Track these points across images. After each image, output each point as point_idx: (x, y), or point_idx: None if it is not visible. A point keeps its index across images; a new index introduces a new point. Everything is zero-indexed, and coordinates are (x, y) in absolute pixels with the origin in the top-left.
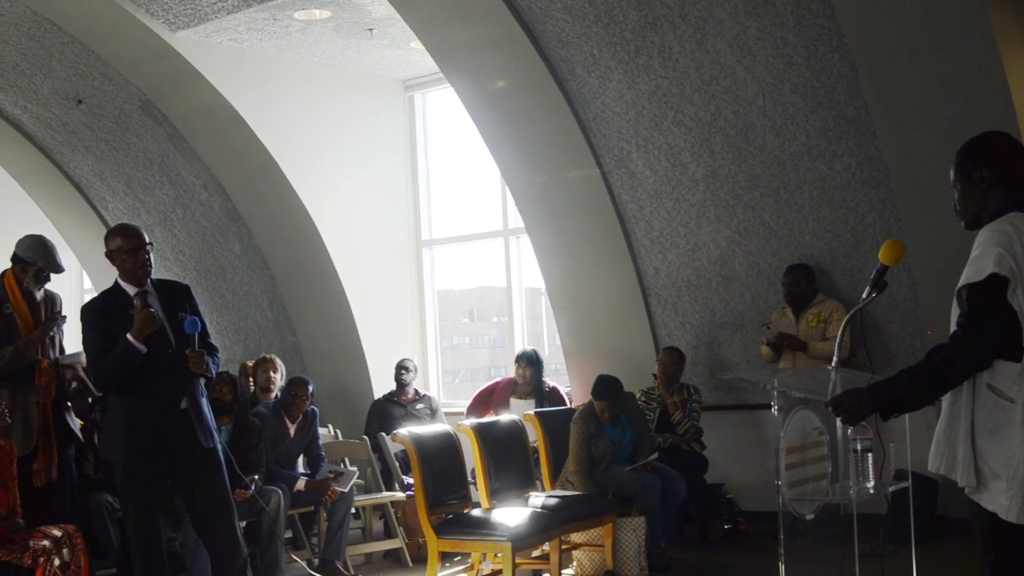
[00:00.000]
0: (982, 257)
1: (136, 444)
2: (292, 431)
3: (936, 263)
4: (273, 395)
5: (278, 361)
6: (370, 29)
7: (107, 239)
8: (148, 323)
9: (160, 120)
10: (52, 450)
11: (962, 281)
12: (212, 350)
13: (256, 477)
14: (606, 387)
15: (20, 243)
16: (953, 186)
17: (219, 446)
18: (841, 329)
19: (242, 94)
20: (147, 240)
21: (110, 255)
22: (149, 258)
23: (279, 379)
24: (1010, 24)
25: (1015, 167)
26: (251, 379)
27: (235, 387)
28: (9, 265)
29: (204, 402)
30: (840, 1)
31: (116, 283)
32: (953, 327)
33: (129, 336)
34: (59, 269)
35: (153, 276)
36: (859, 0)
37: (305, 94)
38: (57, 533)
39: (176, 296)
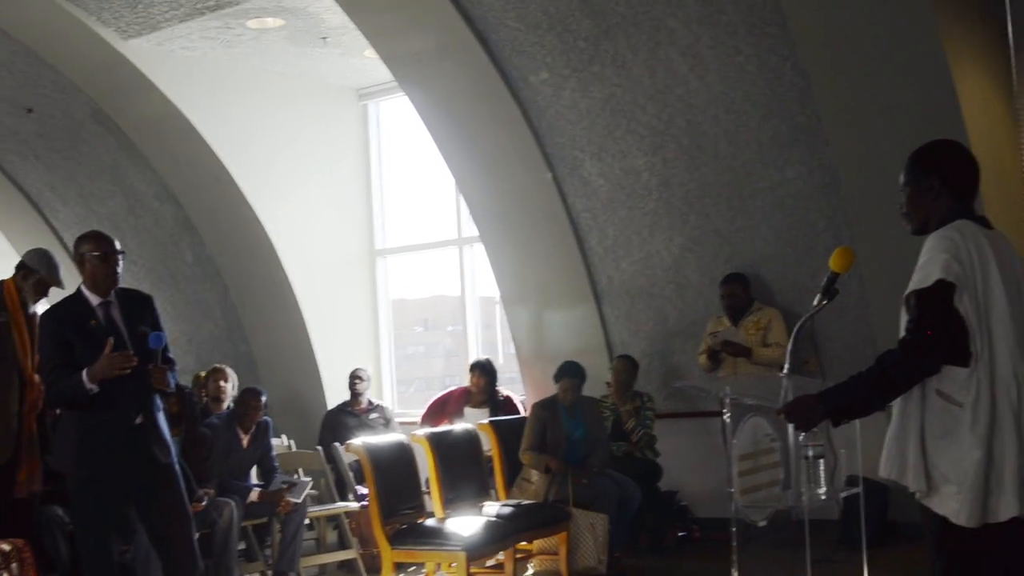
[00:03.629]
0: (929, 264)
1: (89, 458)
2: (245, 442)
3: (886, 270)
4: (225, 405)
5: (229, 371)
6: (324, 38)
7: (78, 243)
8: (109, 370)
9: (112, 129)
10: (36, 461)
11: (910, 287)
12: (171, 364)
13: (210, 490)
14: (567, 366)
15: (28, 253)
16: (902, 189)
17: (176, 460)
18: (793, 334)
19: (194, 103)
20: (119, 248)
21: (80, 259)
22: (119, 266)
23: (230, 389)
24: (958, 33)
25: (964, 176)
26: (203, 390)
27: (183, 398)
28: (8, 275)
29: (161, 417)
30: (792, 10)
31: (79, 290)
32: (902, 333)
33: (84, 375)
34: (60, 283)
35: None
36: (810, 9)
37: (258, 103)
38: (6, 547)
39: (138, 307)
